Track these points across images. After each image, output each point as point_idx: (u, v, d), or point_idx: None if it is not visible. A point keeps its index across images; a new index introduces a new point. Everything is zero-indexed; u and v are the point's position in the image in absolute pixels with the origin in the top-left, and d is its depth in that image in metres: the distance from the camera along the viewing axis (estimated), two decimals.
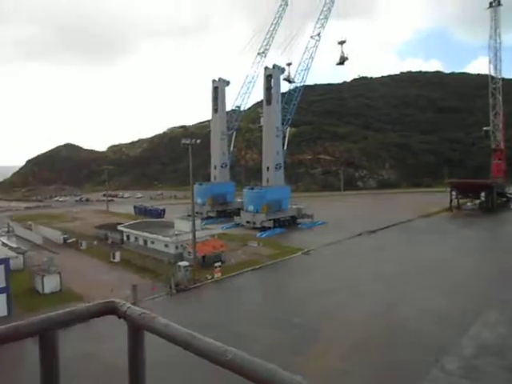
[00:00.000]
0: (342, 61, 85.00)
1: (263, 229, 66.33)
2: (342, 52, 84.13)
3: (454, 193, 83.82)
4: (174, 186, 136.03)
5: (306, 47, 78.94)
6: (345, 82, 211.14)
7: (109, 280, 39.17)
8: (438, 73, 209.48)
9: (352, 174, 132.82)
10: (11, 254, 38.24)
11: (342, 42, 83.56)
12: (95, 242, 57.03)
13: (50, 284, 37.31)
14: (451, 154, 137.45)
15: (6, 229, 67.53)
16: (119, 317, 1.57)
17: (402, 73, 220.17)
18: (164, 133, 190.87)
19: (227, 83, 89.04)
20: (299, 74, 78.96)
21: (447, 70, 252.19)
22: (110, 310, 1.60)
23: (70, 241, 58.30)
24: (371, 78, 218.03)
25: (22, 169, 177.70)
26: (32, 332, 1.44)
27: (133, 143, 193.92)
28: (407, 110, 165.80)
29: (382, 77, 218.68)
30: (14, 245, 50.11)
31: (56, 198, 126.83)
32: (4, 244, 47.82)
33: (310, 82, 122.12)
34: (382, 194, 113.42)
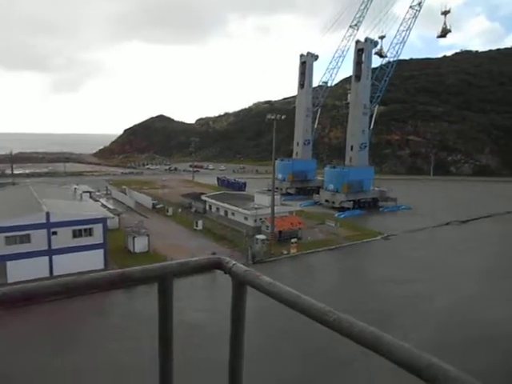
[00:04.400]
0: (444, 33, 77.88)
1: (342, 209, 65.00)
2: (445, 23, 77.07)
3: None
4: (256, 161, 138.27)
5: (404, 18, 73.51)
6: (445, 57, 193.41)
7: (190, 245, 41.68)
8: None
9: (444, 158, 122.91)
10: (109, 214, 42.42)
11: (445, 13, 76.29)
12: (180, 210, 60.72)
13: (140, 244, 40.82)
14: None
15: (105, 191, 74.90)
16: (225, 272, 1.68)
17: None
18: (249, 107, 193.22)
19: (315, 58, 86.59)
20: (393, 47, 74.06)
21: None
22: (217, 265, 1.72)
23: (158, 206, 62.85)
24: (476, 52, 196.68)
25: (119, 137, 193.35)
26: (153, 277, 1.62)
27: (219, 117, 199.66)
28: None
29: (490, 51, 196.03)
30: (111, 206, 55.50)
31: (147, 166, 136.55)
32: (103, 205, 53.16)
33: (404, 56, 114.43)
34: (478, 182, 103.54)
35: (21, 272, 30.56)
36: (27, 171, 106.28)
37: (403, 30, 73.04)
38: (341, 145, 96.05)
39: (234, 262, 1.69)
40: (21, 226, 33.12)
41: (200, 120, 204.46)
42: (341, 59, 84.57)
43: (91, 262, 34.00)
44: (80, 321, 26.72)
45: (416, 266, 37.82)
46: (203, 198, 60.66)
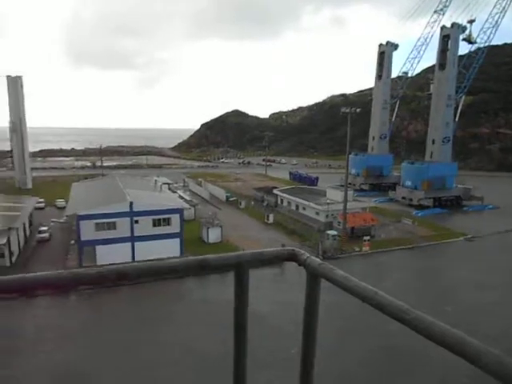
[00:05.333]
0: None
1: (420, 207, 61.51)
2: None
3: None
4: (330, 155, 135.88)
5: None
6: None
7: (261, 238, 42.35)
8: None
9: None
10: (185, 205, 44.65)
11: None
12: (252, 203, 61.87)
13: (213, 235, 42.40)
14: None
15: (183, 184, 78.81)
16: (299, 264, 1.71)
17: None
18: (323, 101, 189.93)
19: (395, 47, 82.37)
20: (484, 32, 67.83)
21: None
22: (292, 256, 1.74)
23: (231, 199, 64.67)
24: None
25: (196, 132, 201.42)
26: (230, 265, 1.69)
27: (293, 111, 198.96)
28: None
29: None
30: (187, 198, 58.32)
31: (222, 160, 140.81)
32: (180, 196, 56.04)
33: (497, 41, 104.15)
34: None
35: (107, 256, 33.48)
36: (114, 163, 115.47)
37: (496, 13, 66.62)
38: (421, 139, 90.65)
39: (308, 255, 1.69)
40: (108, 214, 36.19)
41: (274, 114, 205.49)
42: (423, 47, 79.49)
43: (168, 249, 36.07)
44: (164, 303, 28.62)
45: (501, 271, 34.64)
46: (275, 191, 61.16)
